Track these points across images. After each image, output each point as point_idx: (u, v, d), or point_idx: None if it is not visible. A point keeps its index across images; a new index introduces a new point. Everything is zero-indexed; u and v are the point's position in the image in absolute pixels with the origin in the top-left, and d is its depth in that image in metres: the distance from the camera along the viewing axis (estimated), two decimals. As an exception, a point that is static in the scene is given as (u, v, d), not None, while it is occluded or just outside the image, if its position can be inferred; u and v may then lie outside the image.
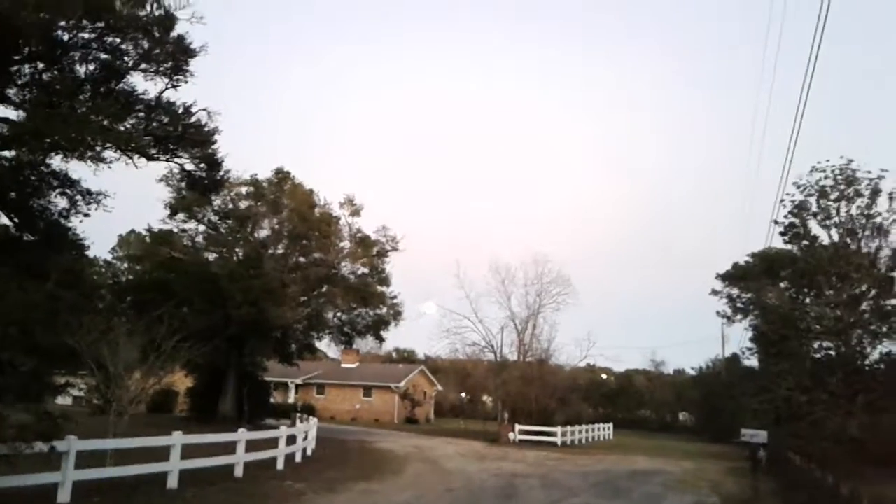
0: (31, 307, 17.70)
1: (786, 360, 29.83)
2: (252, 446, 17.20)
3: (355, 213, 38.05)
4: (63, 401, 26.84)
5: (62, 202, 20.94)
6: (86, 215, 21.25)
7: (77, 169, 20.24)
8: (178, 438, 14.07)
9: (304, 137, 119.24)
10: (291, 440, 20.78)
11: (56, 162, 20.01)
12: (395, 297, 39.56)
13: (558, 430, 39.53)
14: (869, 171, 27.46)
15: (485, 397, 62.71)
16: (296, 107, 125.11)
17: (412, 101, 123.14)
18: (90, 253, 26.59)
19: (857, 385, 26.98)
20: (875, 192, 27.34)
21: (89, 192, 20.90)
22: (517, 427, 39.43)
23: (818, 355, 29.69)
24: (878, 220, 27.44)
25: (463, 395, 68.91)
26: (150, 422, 25.50)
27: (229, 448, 16.54)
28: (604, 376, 79.95)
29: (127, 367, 18.05)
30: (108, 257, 44.54)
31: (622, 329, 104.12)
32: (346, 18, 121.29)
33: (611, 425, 53.01)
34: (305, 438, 22.90)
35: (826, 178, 28.04)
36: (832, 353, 28.89)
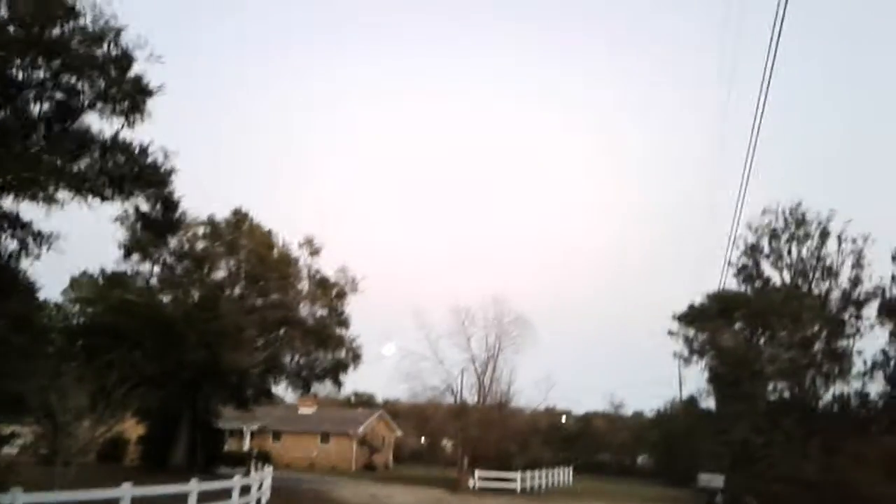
0: (-23, 352, 17.16)
1: (741, 402, 30.19)
2: (204, 497, 16.69)
3: (314, 253, 37.73)
4: (8, 450, 25.84)
5: (12, 244, 20.42)
6: (37, 258, 20.73)
7: (28, 210, 19.83)
8: (127, 490, 13.56)
9: (262, 177, 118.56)
10: (245, 490, 20.22)
11: (7, 203, 19.56)
12: (354, 339, 39.13)
13: (518, 475, 39.23)
14: (818, 212, 28.30)
15: (445, 442, 62.09)
16: (255, 146, 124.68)
17: (371, 140, 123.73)
18: (41, 295, 25.94)
19: (811, 426, 27.37)
20: (824, 234, 28.13)
21: (41, 234, 20.38)
22: (477, 473, 39.04)
23: (773, 397, 30.11)
24: (828, 261, 28.18)
25: (423, 439, 68.13)
26: (100, 472, 24.59)
27: (181, 500, 16.01)
28: (563, 419, 79.83)
29: (76, 414, 17.50)
30: (60, 300, 43.45)
31: (582, 370, 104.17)
32: (302, 57, 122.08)
33: (571, 469, 52.78)
34: (260, 488, 22.33)
35: (777, 219, 28.81)
36: (787, 394, 29.33)
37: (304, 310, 38.19)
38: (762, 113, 11.70)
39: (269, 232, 37.61)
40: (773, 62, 10.39)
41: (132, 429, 38.15)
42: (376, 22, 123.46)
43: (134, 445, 40.03)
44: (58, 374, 18.59)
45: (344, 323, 38.72)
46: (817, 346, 28.92)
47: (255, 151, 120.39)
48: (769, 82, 10.82)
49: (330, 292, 37.85)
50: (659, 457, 67.26)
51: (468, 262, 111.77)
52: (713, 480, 29.23)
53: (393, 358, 44.31)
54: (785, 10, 10.11)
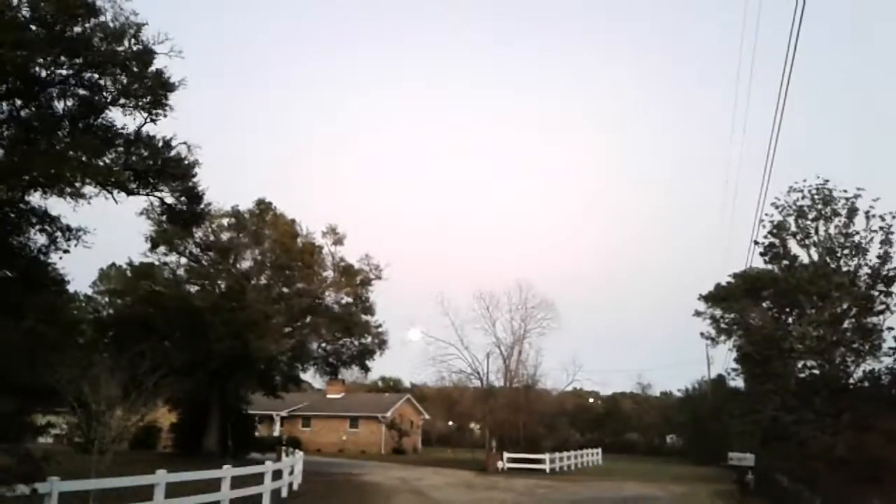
0: (11, 346, 17.52)
1: (771, 381, 29.87)
2: (237, 482, 16.95)
3: (338, 242, 37.92)
4: (44, 439, 26.46)
5: (41, 239, 20.77)
6: (65, 251, 21.06)
7: (56, 205, 20.15)
8: (162, 477, 13.83)
9: (285, 166, 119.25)
10: (277, 475, 20.49)
11: (35, 199, 19.89)
12: (379, 325, 39.39)
13: (546, 456, 39.33)
14: (845, 191, 27.76)
15: (472, 425, 62.41)
16: (276, 135, 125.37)
17: (393, 127, 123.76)
18: (70, 287, 26.35)
19: (842, 404, 27.05)
20: (852, 211, 27.61)
21: (69, 228, 20.74)
22: (505, 455, 39.20)
23: (803, 375, 29.77)
24: (856, 238, 27.70)
25: (450, 423, 68.51)
26: (134, 459, 25.05)
27: (214, 485, 16.28)
28: (591, 400, 79.84)
29: (109, 404, 17.80)
30: (89, 292, 44.16)
31: (608, 352, 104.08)
32: (330, 46, 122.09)
33: (599, 450, 52.85)
34: (291, 473, 22.61)
35: (803, 198, 28.32)
36: (816, 371, 28.98)
37: (329, 297, 38.50)
38: (786, 89, 11.50)
39: (293, 221, 37.88)
40: (797, 36, 10.19)
41: (164, 416, 38.78)
42: (403, 18, 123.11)
43: (166, 433, 40.71)
44: (89, 364, 18.90)
45: (369, 310, 38.95)
46: (847, 323, 28.45)
47: (278, 143, 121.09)
48: (793, 60, 10.63)
49: (354, 280, 38.04)
50: (688, 436, 67.07)
51: (493, 246, 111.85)
52: (743, 459, 29.09)
53: (419, 343, 44.56)
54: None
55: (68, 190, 18.87)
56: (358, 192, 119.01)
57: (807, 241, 28.58)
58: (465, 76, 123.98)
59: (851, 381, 28.40)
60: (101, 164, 19.47)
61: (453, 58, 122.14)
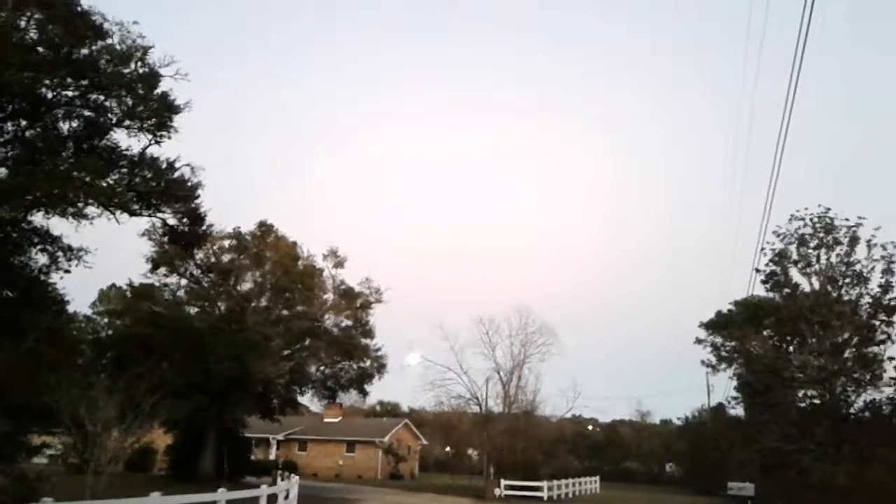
0: (10, 366, 17.44)
1: (771, 410, 29.79)
2: (232, 506, 16.78)
3: (339, 264, 37.92)
4: (38, 460, 26.21)
5: (42, 259, 20.72)
6: (66, 272, 21.02)
7: (58, 225, 20.15)
8: (156, 500, 13.67)
9: (287, 189, 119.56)
10: (272, 499, 20.32)
11: (37, 219, 19.90)
12: (378, 349, 39.19)
13: (545, 484, 38.98)
14: (847, 219, 27.91)
15: (470, 451, 61.99)
16: (279, 158, 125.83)
17: (393, 152, 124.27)
18: (70, 308, 26.24)
19: (843, 434, 26.97)
20: (853, 240, 27.72)
21: (70, 249, 20.71)
22: (503, 482, 38.86)
23: (803, 404, 29.69)
24: (858, 267, 27.76)
25: (448, 449, 68.06)
26: (129, 481, 24.84)
27: (209, 509, 16.10)
28: (590, 427, 79.41)
29: (105, 425, 17.72)
30: (89, 312, 43.99)
31: (608, 378, 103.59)
32: (329, 70, 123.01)
33: (597, 478, 52.41)
34: (287, 497, 22.44)
35: (805, 226, 28.45)
36: (817, 401, 28.90)
37: (328, 320, 38.37)
38: (789, 118, 11.61)
39: (294, 244, 37.87)
40: (800, 68, 10.30)
41: (160, 438, 38.45)
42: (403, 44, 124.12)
43: (162, 455, 40.33)
44: (87, 385, 18.83)
45: (368, 333, 38.80)
46: (848, 352, 28.46)
47: (278, 163, 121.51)
48: (794, 93, 10.73)
49: (354, 303, 37.97)
50: (687, 465, 66.62)
51: (494, 271, 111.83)
52: (743, 489, 28.89)
53: (418, 367, 44.33)
54: (811, 17, 10.06)
55: (71, 210, 18.89)
56: (359, 216, 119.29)
57: (808, 270, 28.65)
58: (464, 103, 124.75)
59: (852, 411, 28.33)
60: (105, 184, 19.47)
61: (454, 81, 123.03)
